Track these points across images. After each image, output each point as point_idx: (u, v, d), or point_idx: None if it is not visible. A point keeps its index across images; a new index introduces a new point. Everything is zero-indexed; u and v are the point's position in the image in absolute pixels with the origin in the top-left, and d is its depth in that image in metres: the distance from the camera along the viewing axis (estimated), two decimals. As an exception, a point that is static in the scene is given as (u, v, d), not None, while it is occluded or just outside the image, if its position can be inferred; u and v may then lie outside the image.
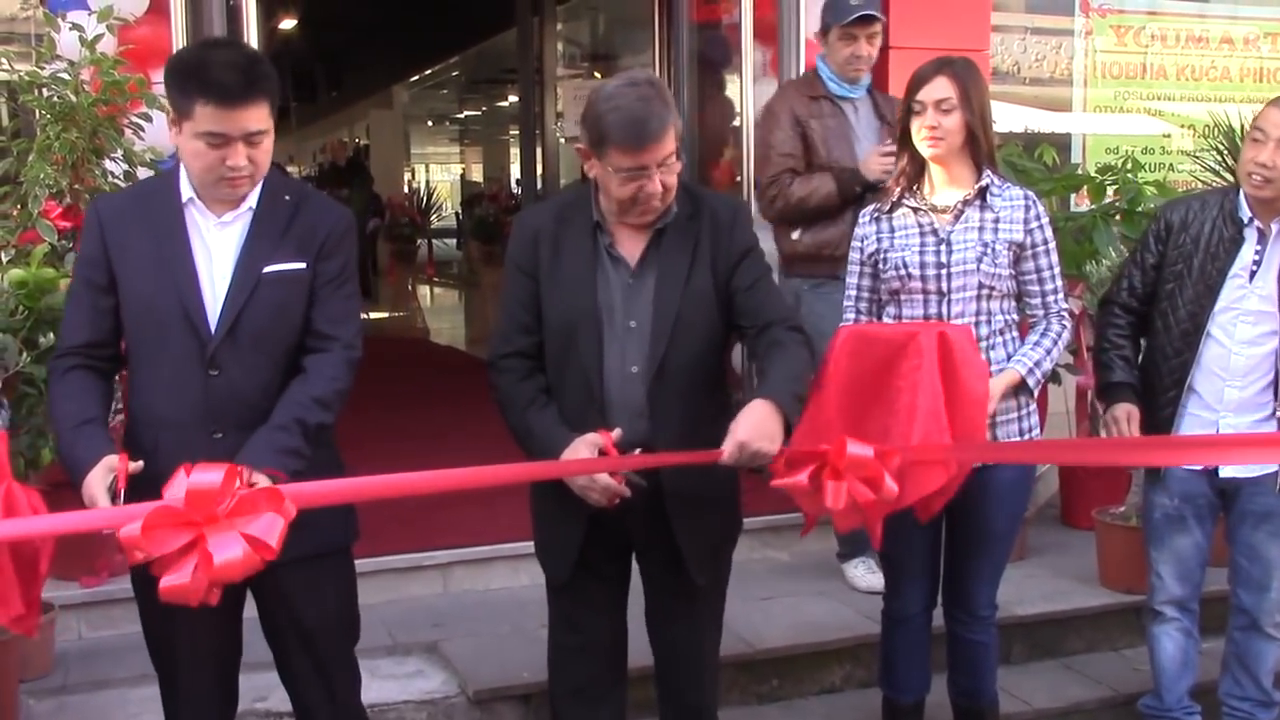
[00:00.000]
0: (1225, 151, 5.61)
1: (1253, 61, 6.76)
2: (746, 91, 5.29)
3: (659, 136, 2.46)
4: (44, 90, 3.84)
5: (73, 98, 3.81)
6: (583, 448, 2.51)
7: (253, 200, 2.40)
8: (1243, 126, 5.56)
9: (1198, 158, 5.91)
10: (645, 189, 2.49)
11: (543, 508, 2.77)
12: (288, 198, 2.43)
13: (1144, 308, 3.32)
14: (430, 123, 23.29)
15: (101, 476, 2.24)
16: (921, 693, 3.29)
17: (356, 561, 3.74)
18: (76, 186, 3.76)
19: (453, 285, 15.75)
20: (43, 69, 3.86)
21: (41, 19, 3.99)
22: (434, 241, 15.57)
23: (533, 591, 4.23)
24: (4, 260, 3.69)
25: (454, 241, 16.88)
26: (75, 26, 3.89)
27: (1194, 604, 3.34)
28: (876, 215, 3.15)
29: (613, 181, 2.52)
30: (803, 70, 5.15)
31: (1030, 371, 3.02)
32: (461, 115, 22.13)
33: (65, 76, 3.84)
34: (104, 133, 3.84)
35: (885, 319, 3.14)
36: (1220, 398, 3.17)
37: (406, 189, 18.73)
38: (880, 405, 2.78)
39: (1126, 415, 3.25)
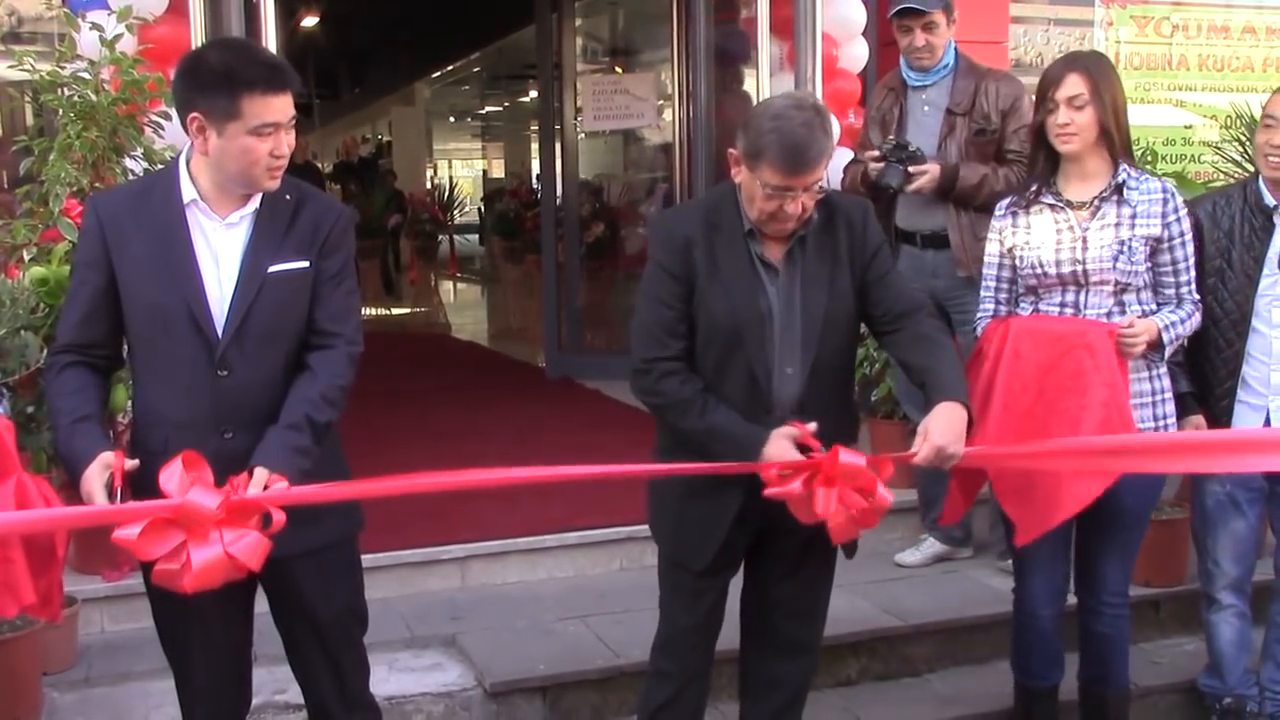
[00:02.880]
0: (1248, 142, 5.58)
1: (1277, 51, 6.71)
2: (763, 85, 5.29)
3: (815, 164, 2.57)
4: (65, 89, 3.88)
5: (93, 97, 3.85)
6: (783, 440, 2.57)
7: (256, 201, 2.42)
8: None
9: (1220, 149, 5.87)
10: (786, 208, 2.60)
11: (685, 498, 2.81)
12: (288, 197, 2.45)
13: None
14: (452, 119, 23.37)
15: (98, 473, 2.26)
16: (1055, 679, 3.35)
17: (375, 555, 3.78)
18: (97, 185, 3.79)
19: (475, 281, 15.80)
20: (63, 68, 3.90)
21: (62, 19, 4.02)
22: (456, 237, 15.62)
23: (549, 585, 4.28)
24: (26, 258, 3.74)
25: (476, 237, 16.95)
26: (95, 26, 3.94)
27: (1248, 586, 3.49)
28: (1014, 210, 3.20)
29: (758, 194, 2.61)
30: (819, 65, 5.16)
31: (1166, 328, 3.06)
32: (483, 111, 22.20)
33: (86, 76, 3.87)
34: (124, 131, 3.88)
35: (1024, 308, 3.20)
36: (1267, 383, 3.29)
37: (429, 185, 18.79)
38: (1042, 402, 2.94)
39: (1195, 430, 3.33)
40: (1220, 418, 3.35)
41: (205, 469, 2.22)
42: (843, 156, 5.32)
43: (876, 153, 4.14)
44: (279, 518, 2.21)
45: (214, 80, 2.30)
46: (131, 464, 2.30)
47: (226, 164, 2.35)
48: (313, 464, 2.36)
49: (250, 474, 2.26)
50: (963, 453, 2.56)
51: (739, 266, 2.69)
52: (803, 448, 2.56)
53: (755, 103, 5.53)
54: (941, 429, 2.54)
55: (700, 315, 2.69)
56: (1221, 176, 5.70)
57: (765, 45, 5.32)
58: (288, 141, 2.36)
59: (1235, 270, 3.30)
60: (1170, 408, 3.17)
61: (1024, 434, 2.95)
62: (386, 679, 3.52)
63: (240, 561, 2.17)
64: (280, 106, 2.32)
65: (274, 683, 3.37)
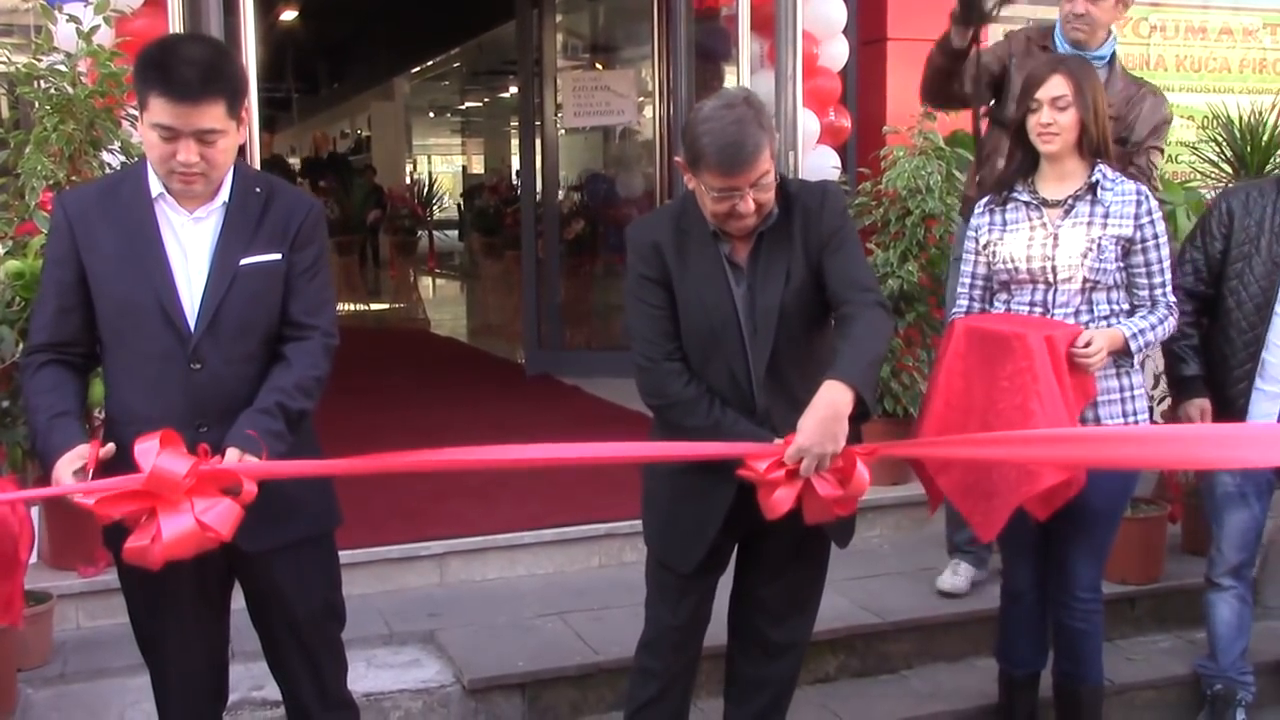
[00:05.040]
0: (1224, 143, 5.62)
1: (1254, 53, 6.74)
2: (743, 82, 5.29)
3: (752, 160, 2.53)
4: (41, 82, 3.85)
5: (70, 90, 3.82)
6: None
7: (225, 195, 2.41)
8: (1242, 118, 5.59)
9: (1197, 149, 5.91)
10: (738, 207, 2.58)
11: (674, 500, 2.81)
12: (258, 190, 2.45)
13: (1208, 290, 3.52)
14: (432, 114, 23.31)
15: (70, 462, 2.26)
16: (1035, 667, 3.42)
17: (353, 552, 3.76)
18: (74, 178, 3.76)
19: (454, 277, 15.77)
20: (40, 61, 3.86)
21: (39, 11, 3.99)
22: (435, 233, 15.60)
23: (528, 582, 4.28)
24: (1, 252, 3.71)
25: (456, 233, 16.93)
26: (72, 19, 3.90)
27: (1248, 571, 3.60)
28: (991, 207, 3.25)
29: (707, 198, 2.61)
30: (800, 63, 5.17)
31: (1134, 336, 3.07)
32: (463, 107, 22.15)
33: (62, 68, 3.84)
34: (101, 124, 3.85)
35: (997, 305, 3.23)
36: None
37: (409, 180, 18.74)
38: (982, 400, 2.95)
39: (1200, 412, 3.49)
40: (1235, 401, 3.44)
41: (180, 445, 2.22)
42: (825, 155, 5.35)
43: None
44: (250, 489, 2.21)
45: (138, 68, 2.32)
46: (107, 449, 2.30)
47: (146, 152, 2.36)
48: (286, 449, 2.36)
49: (223, 455, 2.26)
50: (837, 449, 2.48)
51: (708, 270, 2.69)
52: None
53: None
54: (808, 429, 2.47)
55: (680, 319, 2.71)
56: (1199, 177, 5.74)
57: (746, 43, 5.32)
58: (203, 152, 2.30)
59: (1262, 256, 3.40)
60: (1141, 404, 3.18)
61: (963, 432, 2.96)
62: (364, 675, 3.51)
63: (212, 530, 2.17)
64: (187, 116, 2.26)
65: (251, 679, 3.36)
